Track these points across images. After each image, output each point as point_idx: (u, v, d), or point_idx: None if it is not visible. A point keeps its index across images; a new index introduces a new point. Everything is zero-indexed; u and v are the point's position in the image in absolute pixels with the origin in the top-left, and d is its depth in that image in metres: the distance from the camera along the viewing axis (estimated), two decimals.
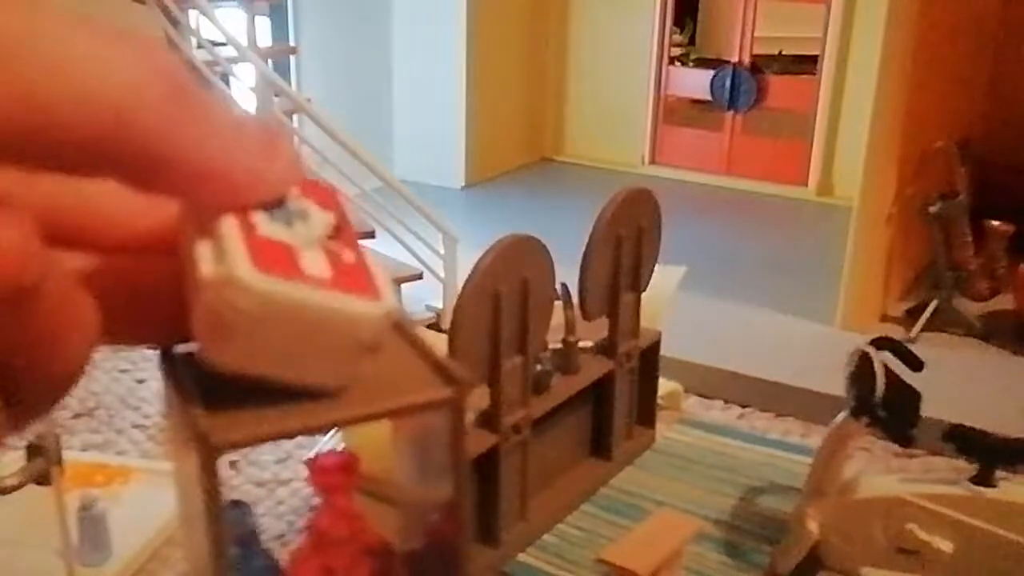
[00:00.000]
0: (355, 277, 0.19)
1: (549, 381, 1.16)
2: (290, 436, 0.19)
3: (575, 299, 1.19)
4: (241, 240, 0.19)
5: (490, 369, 1.07)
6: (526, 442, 1.10)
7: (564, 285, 1.19)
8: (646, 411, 1.34)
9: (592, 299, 1.17)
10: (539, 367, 1.14)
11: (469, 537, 0.25)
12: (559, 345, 1.19)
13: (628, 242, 1.19)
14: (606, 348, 1.25)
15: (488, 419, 1.07)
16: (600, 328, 1.23)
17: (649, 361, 1.32)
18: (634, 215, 1.19)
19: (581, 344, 1.23)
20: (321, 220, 0.20)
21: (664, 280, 1.32)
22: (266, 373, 0.19)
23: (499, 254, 1.04)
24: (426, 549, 0.25)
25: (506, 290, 1.04)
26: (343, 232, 0.20)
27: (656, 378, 1.34)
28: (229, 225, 0.19)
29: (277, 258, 0.19)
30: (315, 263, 0.19)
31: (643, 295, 1.25)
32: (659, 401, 1.36)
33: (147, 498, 1.18)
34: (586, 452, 1.27)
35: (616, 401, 1.26)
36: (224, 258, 0.18)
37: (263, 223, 0.19)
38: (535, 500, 1.16)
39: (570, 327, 1.18)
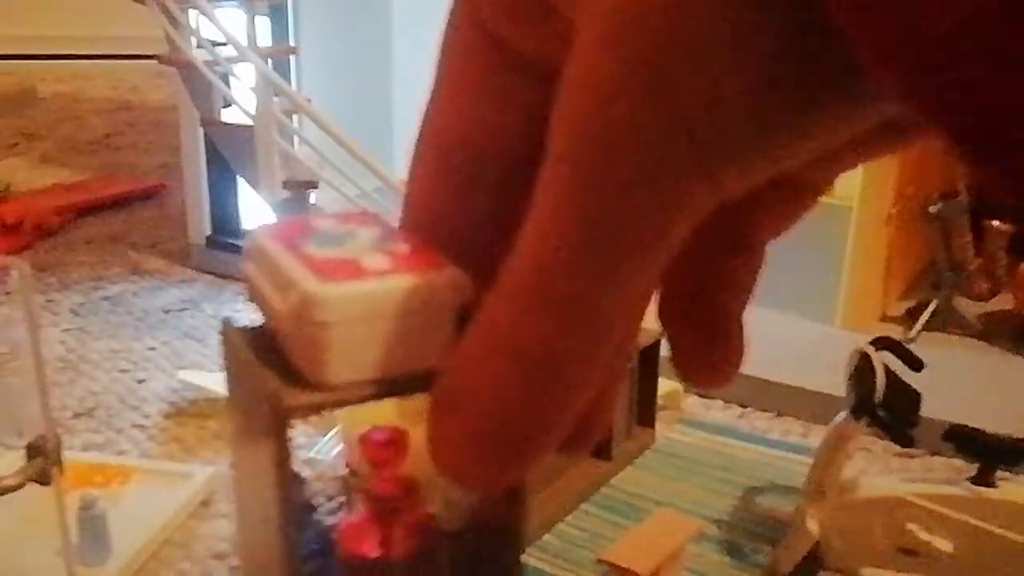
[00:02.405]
0: (416, 259, 0.20)
1: None
2: (353, 403, 0.19)
3: None
4: (298, 264, 0.19)
5: None
6: None
7: None
8: (646, 411, 1.34)
9: None
10: None
11: (526, 520, 0.25)
12: None
13: None
14: None
15: None
16: None
17: (649, 361, 1.32)
18: None
19: None
20: (367, 234, 0.21)
21: None
22: (374, 376, 0.19)
23: None
24: (471, 530, 0.26)
25: None
26: (392, 237, 0.21)
27: (656, 378, 1.34)
28: (282, 257, 0.20)
29: (338, 267, 0.19)
30: (375, 262, 0.20)
31: None
32: (659, 401, 1.36)
33: (147, 498, 1.18)
34: (586, 452, 1.27)
35: (616, 401, 1.26)
36: (289, 286, 0.19)
37: (313, 248, 0.20)
38: (535, 500, 1.16)
39: None
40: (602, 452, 1.27)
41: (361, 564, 0.29)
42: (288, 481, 0.20)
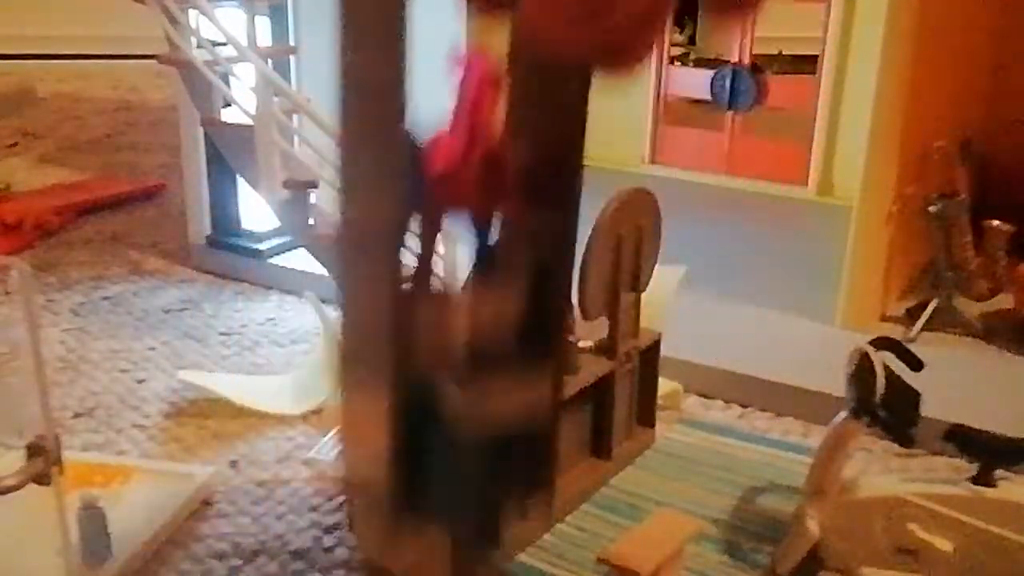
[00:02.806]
0: None
1: None
2: None
3: (574, 299, 1.18)
4: None
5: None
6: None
7: None
8: (646, 411, 1.34)
9: (592, 299, 1.17)
10: None
11: (582, 154, 0.30)
12: None
13: (628, 242, 1.19)
14: (606, 348, 1.25)
15: None
16: (600, 328, 1.23)
17: (649, 361, 1.32)
18: (634, 215, 1.19)
19: (581, 344, 1.23)
20: None
21: (664, 280, 1.32)
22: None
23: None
24: (537, 160, 0.30)
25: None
26: None
27: (656, 378, 1.34)
28: None
29: None
30: None
31: (643, 295, 1.25)
32: (659, 401, 1.36)
33: (147, 498, 1.18)
34: (586, 452, 1.27)
35: (616, 401, 1.26)
36: None
37: None
38: (534, 501, 1.16)
39: (569, 327, 1.18)
40: (602, 452, 1.27)
41: (440, 176, 0.32)
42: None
